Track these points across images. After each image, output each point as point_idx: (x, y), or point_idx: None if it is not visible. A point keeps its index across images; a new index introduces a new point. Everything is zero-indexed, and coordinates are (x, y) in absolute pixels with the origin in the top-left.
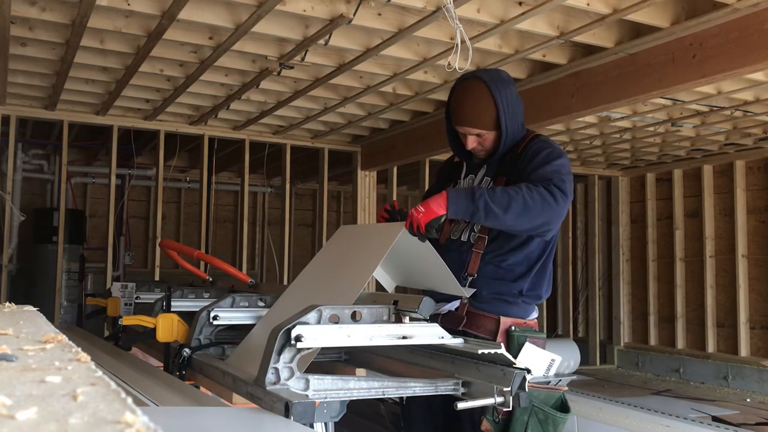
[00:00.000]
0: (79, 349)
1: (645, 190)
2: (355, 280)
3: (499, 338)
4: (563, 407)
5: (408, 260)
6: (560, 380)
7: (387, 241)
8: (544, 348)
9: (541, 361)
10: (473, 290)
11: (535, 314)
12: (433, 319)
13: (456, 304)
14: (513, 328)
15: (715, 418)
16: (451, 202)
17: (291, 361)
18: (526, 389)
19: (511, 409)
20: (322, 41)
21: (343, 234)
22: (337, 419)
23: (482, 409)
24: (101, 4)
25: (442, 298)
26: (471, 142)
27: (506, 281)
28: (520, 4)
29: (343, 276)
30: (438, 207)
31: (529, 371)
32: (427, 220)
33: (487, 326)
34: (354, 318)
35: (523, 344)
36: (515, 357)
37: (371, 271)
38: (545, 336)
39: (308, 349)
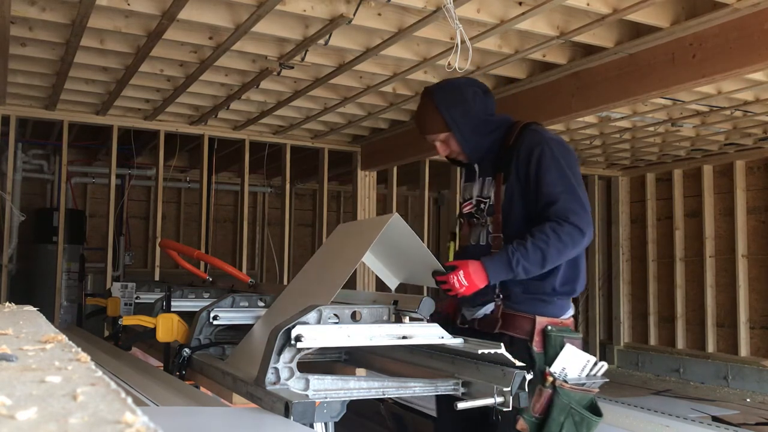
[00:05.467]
0: (79, 349)
1: (645, 190)
2: (341, 270)
3: (536, 338)
4: (595, 410)
5: (404, 256)
6: (594, 382)
7: (374, 232)
8: (580, 348)
9: (579, 362)
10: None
11: (570, 312)
12: (469, 324)
13: (491, 307)
14: (549, 327)
15: (715, 418)
16: (490, 274)
17: (291, 361)
18: (526, 389)
19: (547, 407)
20: (322, 41)
21: (340, 231)
22: (337, 419)
23: (518, 408)
24: (101, 4)
25: (477, 302)
26: (440, 149)
27: (537, 278)
28: (520, 4)
29: (334, 269)
30: (479, 280)
31: (529, 371)
32: (470, 293)
33: (523, 326)
34: (354, 318)
35: (561, 344)
36: (554, 357)
37: (357, 259)
38: (581, 336)
39: (308, 349)
